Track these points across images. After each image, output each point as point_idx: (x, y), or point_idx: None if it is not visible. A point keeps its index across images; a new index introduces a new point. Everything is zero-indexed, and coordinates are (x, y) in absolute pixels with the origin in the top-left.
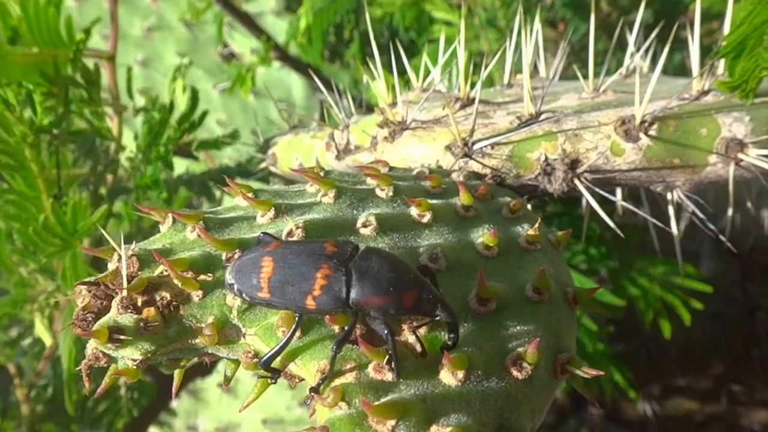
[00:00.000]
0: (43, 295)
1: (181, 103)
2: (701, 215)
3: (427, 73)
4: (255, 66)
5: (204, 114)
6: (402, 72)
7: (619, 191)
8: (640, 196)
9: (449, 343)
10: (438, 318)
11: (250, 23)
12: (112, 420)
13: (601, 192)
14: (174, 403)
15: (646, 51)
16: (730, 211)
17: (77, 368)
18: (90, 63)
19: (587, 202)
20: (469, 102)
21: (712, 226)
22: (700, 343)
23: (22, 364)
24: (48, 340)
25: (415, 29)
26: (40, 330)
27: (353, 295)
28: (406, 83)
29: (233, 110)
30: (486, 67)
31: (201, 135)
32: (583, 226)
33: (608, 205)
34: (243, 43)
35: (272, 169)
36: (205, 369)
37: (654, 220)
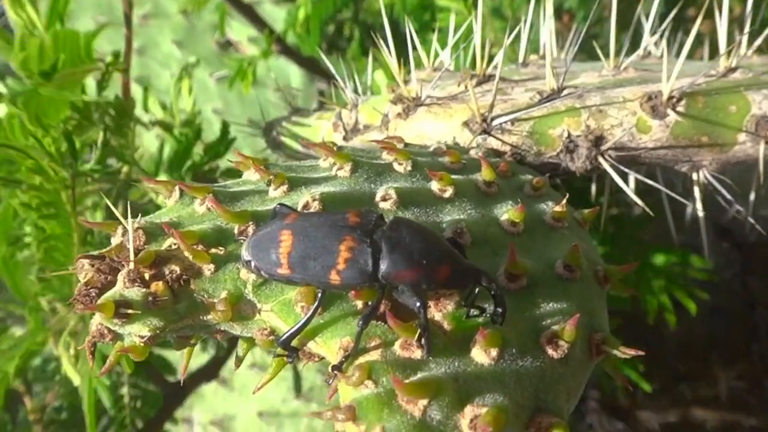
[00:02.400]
0: (66, 327)
1: (187, 104)
2: (728, 195)
3: (437, 55)
4: (257, 60)
5: (232, 141)
6: (413, 49)
7: (632, 180)
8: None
9: (498, 315)
10: (476, 290)
11: (250, 13)
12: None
13: (625, 170)
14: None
15: (662, 35)
16: (752, 196)
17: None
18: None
19: (596, 188)
20: (486, 79)
21: (739, 207)
22: (700, 337)
23: (31, 385)
24: (77, 380)
25: (418, 20)
26: (68, 368)
27: (383, 268)
28: (417, 62)
29: (230, 99)
30: (504, 46)
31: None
32: (601, 211)
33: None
34: (240, 32)
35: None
36: (210, 374)
37: (649, 215)
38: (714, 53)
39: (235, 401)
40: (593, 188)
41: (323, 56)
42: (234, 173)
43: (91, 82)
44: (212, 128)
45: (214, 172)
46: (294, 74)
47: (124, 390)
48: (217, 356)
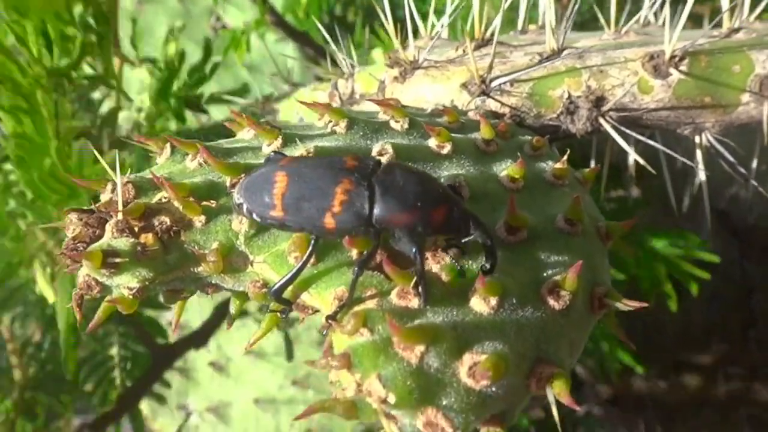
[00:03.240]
0: (43, 250)
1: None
2: (731, 158)
3: (434, 26)
4: (250, 29)
5: (215, 66)
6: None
7: (631, 160)
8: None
9: (487, 266)
10: (471, 238)
11: None
12: (105, 391)
13: (626, 131)
14: (166, 377)
15: (662, 5)
16: (755, 163)
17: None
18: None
19: (596, 163)
20: (484, 43)
21: (742, 170)
22: (698, 323)
23: (14, 328)
24: (51, 297)
25: None
26: (42, 285)
27: (377, 211)
28: (414, 34)
29: (226, 83)
30: (502, 8)
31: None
32: (601, 178)
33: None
34: (236, 17)
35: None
36: (198, 341)
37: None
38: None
39: (231, 388)
40: (592, 164)
41: (319, 26)
42: (218, 99)
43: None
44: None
45: (199, 99)
46: (289, 52)
47: (114, 350)
48: (209, 322)
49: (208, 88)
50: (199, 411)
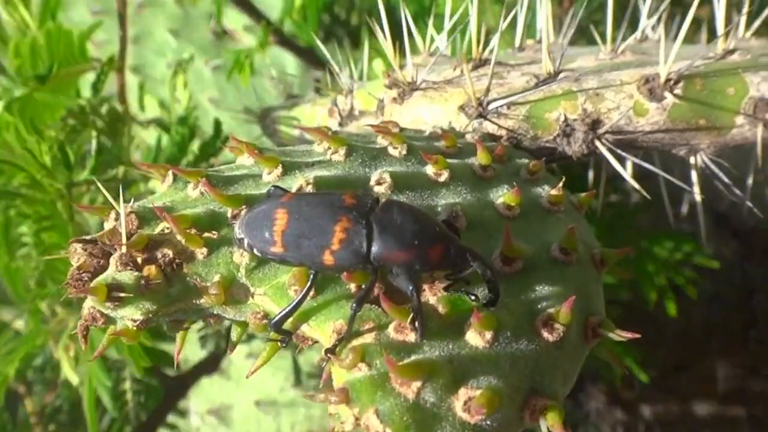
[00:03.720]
0: (65, 330)
1: (183, 99)
2: (726, 179)
3: (433, 40)
4: (254, 52)
5: (225, 138)
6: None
7: (629, 166)
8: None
9: (490, 297)
10: (470, 272)
11: (244, 3)
12: (120, 426)
13: (622, 153)
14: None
15: (659, 18)
16: (750, 180)
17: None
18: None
19: (595, 174)
20: (482, 63)
21: (738, 191)
22: (698, 324)
23: (32, 384)
24: (75, 380)
25: (414, 4)
26: (67, 370)
27: (375, 249)
28: (413, 49)
29: (226, 88)
30: (500, 29)
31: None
32: (598, 194)
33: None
34: (236, 20)
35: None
36: (212, 368)
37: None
38: (712, 38)
39: (233, 391)
40: (590, 175)
41: (319, 43)
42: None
43: (86, 80)
44: (208, 117)
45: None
46: (290, 63)
47: (126, 385)
48: (217, 350)
49: (207, 91)
50: (200, 413)
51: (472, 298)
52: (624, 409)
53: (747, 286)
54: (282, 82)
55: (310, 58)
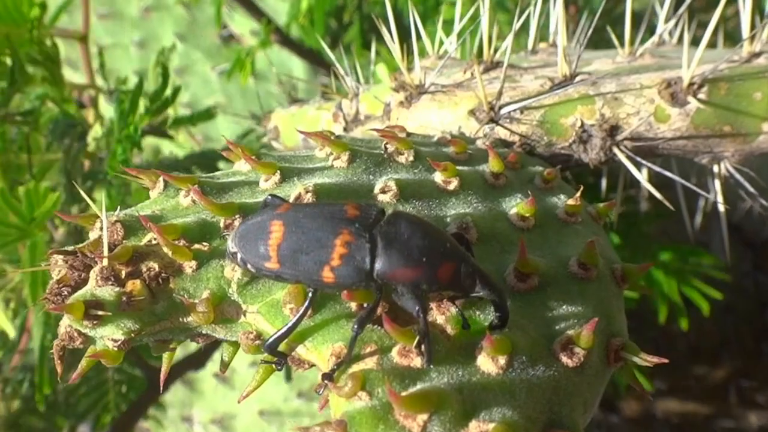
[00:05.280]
0: (9, 284)
1: (154, 76)
2: (751, 189)
3: (441, 43)
4: (255, 50)
5: (177, 90)
6: (417, 38)
7: (645, 171)
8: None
9: (497, 322)
10: (478, 294)
11: (250, 4)
12: (99, 414)
13: (641, 161)
14: (167, 395)
15: (677, 21)
16: None
17: (51, 354)
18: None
19: (609, 182)
20: (493, 65)
21: (763, 201)
22: (710, 337)
23: None
24: (11, 332)
25: (422, 5)
26: (2, 321)
27: (379, 266)
28: (421, 51)
29: (232, 93)
30: (513, 29)
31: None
32: (615, 204)
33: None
34: (243, 25)
35: (274, 144)
36: (198, 362)
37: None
38: (728, 44)
39: (236, 400)
40: (603, 184)
41: (324, 46)
42: (184, 120)
43: None
44: (214, 124)
45: (164, 124)
46: (297, 67)
47: (109, 374)
48: (205, 345)
49: (215, 98)
50: (204, 423)
51: (476, 317)
52: (635, 422)
53: (760, 298)
54: (287, 84)
55: (318, 61)
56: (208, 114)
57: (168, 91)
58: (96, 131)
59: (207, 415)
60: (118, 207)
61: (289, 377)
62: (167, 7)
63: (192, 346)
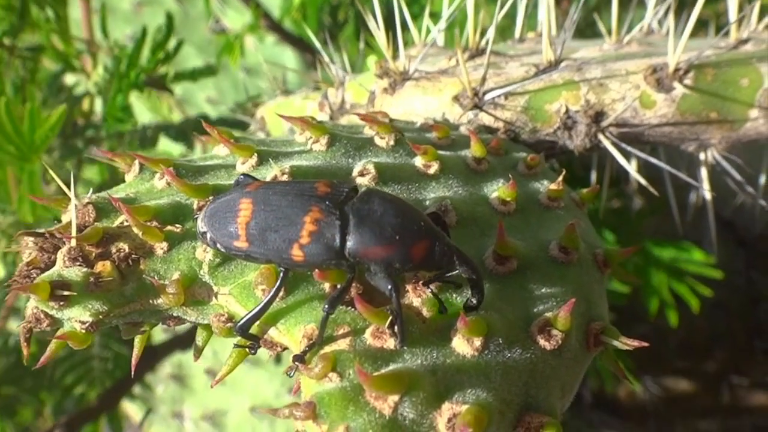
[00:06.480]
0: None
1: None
2: (738, 177)
3: (429, 31)
4: (244, 33)
5: (180, 43)
6: (403, 27)
7: (634, 164)
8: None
9: (473, 301)
10: (454, 274)
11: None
12: (83, 390)
13: (627, 148)
14: (158, 391)
15: (666, 11)
16: (762, 178)
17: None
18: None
19: (598, 175)
20: (478, 53)
21: (750, 189)
22: (702, 332)
23: None
24: (0, 272)
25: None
26: None
27: (350, 244)
28: (406, 43)
29: (224, 87)
30: (496, 16)
31: (190, 112)
32: (601, 197)
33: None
34: (235, 19)
35: (260, 135)
36: (185, 343)
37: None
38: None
39: (227, 396)
40: (593, 177)
41: (310, 34)
42: (185, 76)
43: None
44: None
45: (165, 78)
46: (290, 62)
47: (94, 350)
48: (194, 326)
49: (205, 90)
50: (195, 419)
51: (452, 299)
52: (626, 418)
53: (752, 294)
54: (279, 81)
55: (306, 48)
56: (209, 70)
57: (171, 43)
58: (96, 76)
59: (198, 411)
60: (91, 190)
61: (278, 360)
62: (159, 1)
63: (181, 329)
